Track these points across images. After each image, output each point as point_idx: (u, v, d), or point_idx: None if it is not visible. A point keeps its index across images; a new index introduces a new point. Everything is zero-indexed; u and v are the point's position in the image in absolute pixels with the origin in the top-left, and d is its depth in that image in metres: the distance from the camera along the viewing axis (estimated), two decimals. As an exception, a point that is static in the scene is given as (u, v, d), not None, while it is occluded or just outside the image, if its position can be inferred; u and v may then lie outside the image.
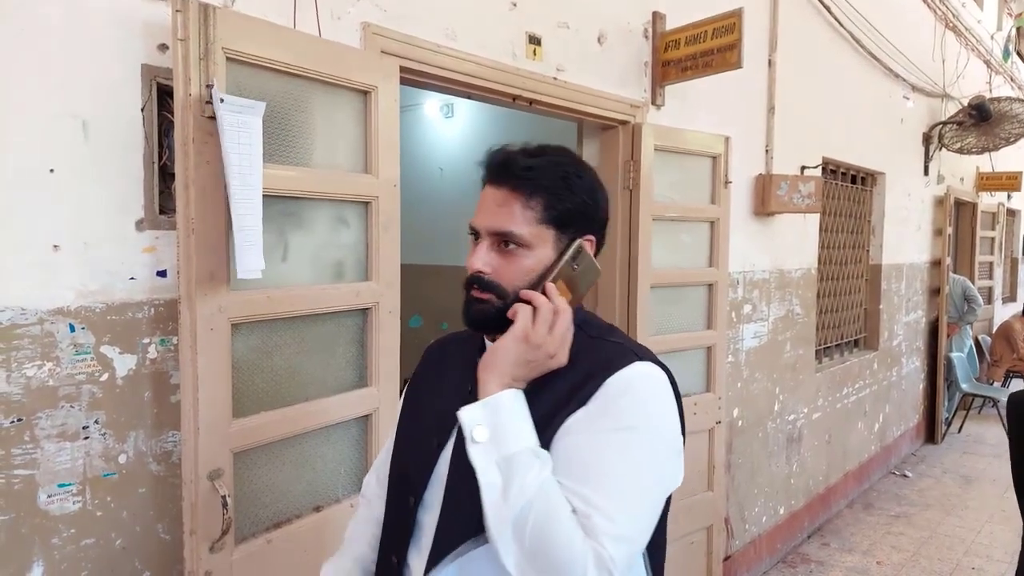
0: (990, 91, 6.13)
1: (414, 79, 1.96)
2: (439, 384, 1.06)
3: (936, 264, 5.80)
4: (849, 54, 4.17)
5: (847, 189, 4.47)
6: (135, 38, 1.36)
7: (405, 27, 1.85)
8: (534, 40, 2.22)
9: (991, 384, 6.69)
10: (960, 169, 6.28)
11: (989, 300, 7.77)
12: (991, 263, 7.79)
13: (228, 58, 1.39)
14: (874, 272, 4.88)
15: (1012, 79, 7.47)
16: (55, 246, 1.27)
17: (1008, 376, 6.75)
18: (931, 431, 5.91)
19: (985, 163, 6.66)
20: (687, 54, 2.60)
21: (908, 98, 4.95)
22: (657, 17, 2.66)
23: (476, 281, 0.93)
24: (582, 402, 0.87)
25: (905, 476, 5.13)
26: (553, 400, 0.88)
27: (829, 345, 4.45)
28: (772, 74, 3.36)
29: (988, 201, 7.28)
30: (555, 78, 2.29)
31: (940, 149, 5.47)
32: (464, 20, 2.01)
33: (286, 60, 1.51)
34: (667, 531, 0.99)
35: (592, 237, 0.97)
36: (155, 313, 1.40)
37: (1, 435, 1.21)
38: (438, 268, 3.90)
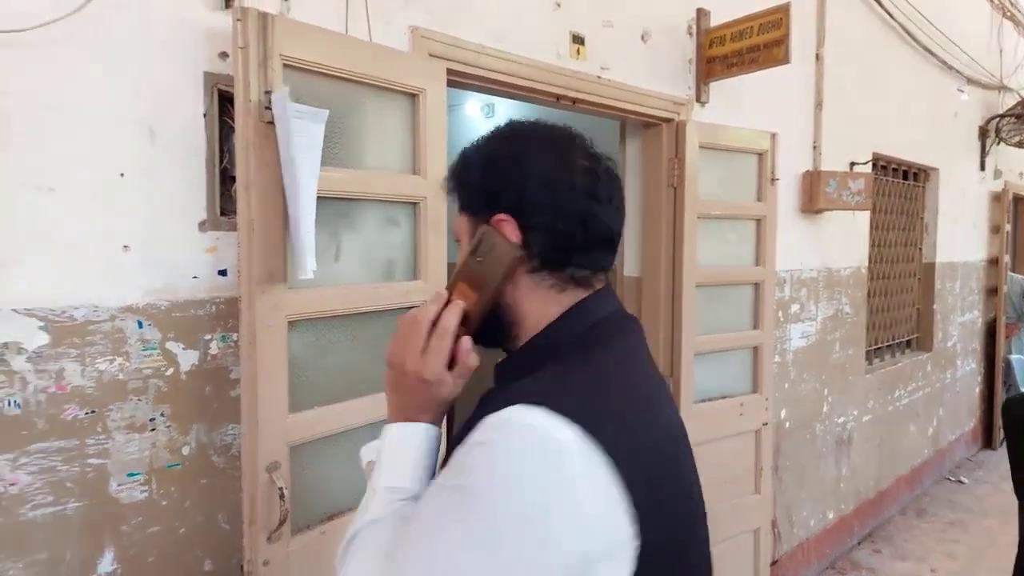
0: (1051, 82, 5.89)
1: (460, 80, 1.99)
2: None
3: (993, 262, 5.59)
4: (900, 46, 4.06)
5: (899, 185, 4.35)
6: (198, 46, 1.42)
7: (451, 29, 1.88)
8: (578, 39, 2.22)
9: (1053, 387, 6.41)
10: (1020, 163, 6.04)
11: (1050, 300, 7.45)
12: (1053, 261, 7.47)
13: (285, 64, 1.44)
14: (927, 271, 4.73)
15: (1075, 69, 7.15)
16: (125, 247, 1.34)
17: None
18: (988, 436, 5.71)
19: (1046, 157, 6.40)
20: (733, 50, 2.57)
21: (963, 91, 4.78)
22: (701, 14, 2.64)
23: None
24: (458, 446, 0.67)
25: (961, 482, 4.96)
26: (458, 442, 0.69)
27: (880, 346, 4.33)
28: (820, 69, 3.30)
29: (1049, 197, 6.98)
30: (599, 77, 2.29)
31: (997, 143, 5.27)
32: (508, 21, 2.03)
33: (338, 65, 1.55)
34: None
35: (505, 216, 0.75)
36: (216, 311, 1.46)
37: (76, 426, 1.28)
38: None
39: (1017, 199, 6.21)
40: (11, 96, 1.20)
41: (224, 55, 1.46)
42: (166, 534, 1.40)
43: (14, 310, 1.21)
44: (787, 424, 3.31)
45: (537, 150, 0.77)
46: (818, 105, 3.30)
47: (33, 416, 1.23)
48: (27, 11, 1.20)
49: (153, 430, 1.38)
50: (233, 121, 1.41)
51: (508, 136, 0.80)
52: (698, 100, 2.68)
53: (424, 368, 0.75)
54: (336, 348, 1.63)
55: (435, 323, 0.76)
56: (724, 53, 2.60)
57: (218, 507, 1.48)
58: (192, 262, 1.43)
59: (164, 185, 1.39)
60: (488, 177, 0.77)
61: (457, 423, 0.77)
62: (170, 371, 1.40)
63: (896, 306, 4.51)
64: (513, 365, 0.78)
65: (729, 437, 2.78)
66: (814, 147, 3.30)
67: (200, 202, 1.44)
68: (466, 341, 0.77)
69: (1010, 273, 5.88)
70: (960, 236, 5.08)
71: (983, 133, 5.22)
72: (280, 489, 1.42)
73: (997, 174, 5.54)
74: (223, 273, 1.47)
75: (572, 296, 0.77)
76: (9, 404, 1.21)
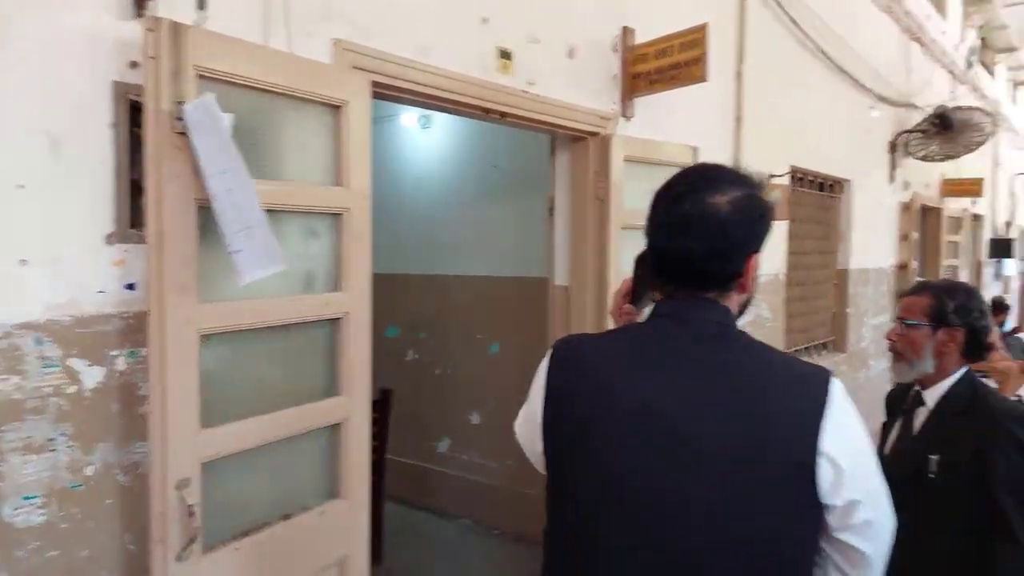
0: (953, 100, 6.30)
1: (387, 93, 1.99)
2: None
3: (903, 268, 5.95)
4: (816, 66, 4.27)
5: (815, 196, 4.58)
6: (107, 56, 1.38)
7: (376, 43, 1.88)
8: (505, 55, 2.26)
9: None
10: (926, 176, 6.44)
11: (955, 304, 7.95)
12: (956, 267, 7.99)
13: (200, 75, 1.41)
14: (842, 276, 4.99)
15: (975, 88, 7.68)
16: (22, 260, 1.29)
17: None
18: (898, 432, 6.05)
19: (950, 170, 6.84)
20: (655, 67, 2.66)
21: (874, 108, 5.07)
22: (627, 32, 2.72)
23: None
24: None
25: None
26: None
27: (799, 348, 4.54)
28: (740, 86, 3.44)
29: (953, 206, 7.47)
30: (525, 91, 2.33)
31: (905, 156, 5.61)
32: (435, 35, 2.04)
33: (257, 76, 1.53)
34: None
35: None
36: (125, 326, 1.42)
37: (-33, 448, 1.23)
38: (416, 278, 3.92)
39: (924, 209, 6.62)
40: None
41: (135, 64, 1.42)
42: (66, 558, 1.35)
43: (-102, 328, 1.15)
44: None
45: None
46: (738, 120, 3.45)
47: (-81, 439, 1.18)
48: (-86, 15, 1.14)
49: (53, 450, 1.33)
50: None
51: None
52: (623, 115, 2.76)
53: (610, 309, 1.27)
54: (253, 361, 1.61)
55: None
56: (647, 70, 2.69)
57: (125, 527, 1.44)
58: (98, 276, 1.39)
59: (68, 197, 1.34)
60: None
61: None
62: (72, 389, 1.35)
63: (813, 311, 4.74)
64: None
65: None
66: (735, 161, 3.44)
67: (107, 214, 1.40)
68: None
69: (917, 279, 6.26)
70: (872, 244, 5.38)
71: (892, 147, 5.54)
72: (190, 506, 1.39)
73: (905, 186, 5.89)
74: (131, 287, 1.43)
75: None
76: None
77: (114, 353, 1.41)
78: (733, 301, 1.01)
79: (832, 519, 0.90)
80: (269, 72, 1.56)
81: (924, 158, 5.62)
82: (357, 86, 1.79)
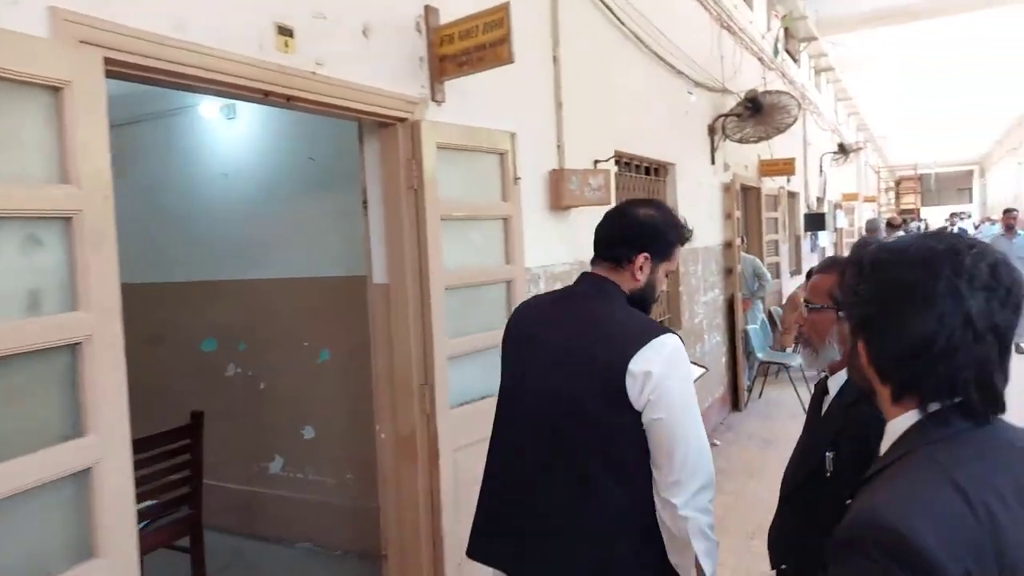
0: (764, 85, 6.80)
1: (132, 73, 1.71)
2: None
3: (728, 245, 6.34)
4: (634, 52, 4.38)
5: (641, 180, 4.72)
6: None
7: (112, 15, 1.60)
8: (285, 31, 2.03)
9: (784, 351, 7.45)
10: (744, 158, 6.91)
11: (777, 275, 8.67)
12: (777, 241, 8.70)
13: None
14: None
15: (783, 74, 8.38)
16: None
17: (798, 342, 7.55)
18: (735, 400, 6.47)
19: (765, 151, 7.40)
20: (462, 48, 2.53)
21: (691, 93, 5.32)
22: (429, 11, 2.58)
23: None
24: None
25: (715, 445, 5.55)
26: None
27: (637, 329, 4.68)
28: (558, 70, 3.42)
29: (770, 185, 8.11)
30: (314, 72, 2.12)
31: (724, 139, 5.97)
32: (193, 8, 1.78)
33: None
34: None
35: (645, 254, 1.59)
36: None
37: None
38: (229, 283, 3.56)
39: (745, 188, 7.11)
40: None
41: None
42: None
43: None
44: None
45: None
46: (559, 105, 3.42)
47: None
48: None
49: None
50: None
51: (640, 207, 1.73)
52: (434, 99, 2.62)
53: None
54: (-47, 406, 1.30)
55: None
56: (454, 52, 2.56)
57: None
58: None
59: None
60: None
61: None
62: None
63: (649, 291, 4.90)
64: None
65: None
66: (558, 146, 3.42)
67: None
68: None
69: (742, 254, 6.72)
70: (699, 223, 5.65)
71: (711, 131, 5.87)
72: None
73: (726, 167, 6.27)
74: None
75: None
76: None
77: None
78: (625, 281, 1.56)
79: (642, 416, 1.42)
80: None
81: (740, 140, 6.00)
82: (84, 63, 1.51)
